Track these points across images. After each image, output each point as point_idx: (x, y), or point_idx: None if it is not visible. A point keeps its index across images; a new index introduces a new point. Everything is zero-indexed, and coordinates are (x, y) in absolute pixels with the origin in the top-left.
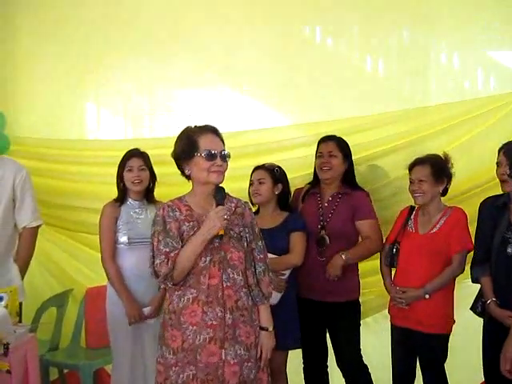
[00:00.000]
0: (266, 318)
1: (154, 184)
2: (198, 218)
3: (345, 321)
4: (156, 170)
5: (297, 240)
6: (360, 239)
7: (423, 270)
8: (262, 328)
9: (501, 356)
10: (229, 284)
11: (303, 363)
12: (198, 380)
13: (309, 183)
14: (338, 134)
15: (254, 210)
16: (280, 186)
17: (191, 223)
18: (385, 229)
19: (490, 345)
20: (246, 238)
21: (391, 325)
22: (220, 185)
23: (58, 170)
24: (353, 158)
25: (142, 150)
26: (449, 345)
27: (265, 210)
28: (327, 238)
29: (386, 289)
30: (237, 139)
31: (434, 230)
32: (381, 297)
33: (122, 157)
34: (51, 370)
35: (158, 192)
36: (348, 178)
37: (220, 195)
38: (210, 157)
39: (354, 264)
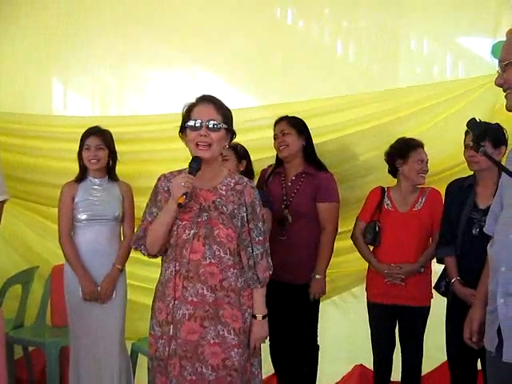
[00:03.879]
0: (258, 304)
1: (114, 162)
2: (191, 189)
3: (303, 303)
4: (123, 147)
5: None
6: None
7: (414, 246)
8: (253, 316)
9: (464, 325)
10: (213, 261)
11: (269, 341)
12: (177, 356)
13: (270, 165)
14: (306, 116)
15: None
16: (244, 163)
17: None
18: (352, 208)
19: (453, 323)
20: (243, 217)
21: (369, 302)
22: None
23: (24, 145)
24: (322, 139)
25: (108, 127)
26: None
27: None
28: (289, 217)
29: (374, 267)
30: None
31: (418, 208)
32: (347, 276)
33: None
34: (16, 348)
35: (124, 170)
36: (308, 154)
37: (194, 164)
38: (194, 127)
39: (317, 242)
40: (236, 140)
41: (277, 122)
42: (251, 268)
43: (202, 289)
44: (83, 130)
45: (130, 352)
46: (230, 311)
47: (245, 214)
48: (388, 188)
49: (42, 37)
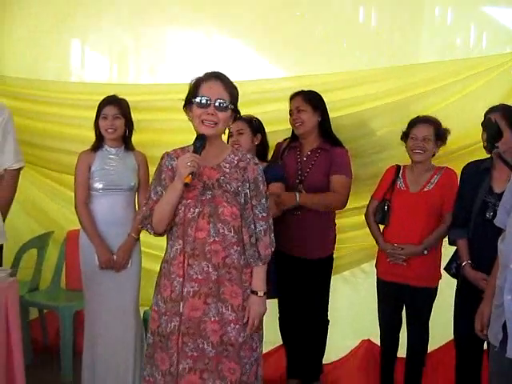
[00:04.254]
0: (257, 281)
1: (130, 132)
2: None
3: (315, 277)
4: (138, 116)
5: (274, 191)
6: None
7: (419, 227)
8: (252, 292)
9: (475, 317)
10: (217, 239)
11: (279, 313)
12: (181, 332)
13: (286, 138)
14: (323, 89)
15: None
16: (259, 136)
17: None
18: (367, 183)
19: (461, 306)
20: (246, 194)
21: (378, 279)
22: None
23: (39, 111)
24: (339, 113)
25: (124, 95)
26: None
27: None
28: (304, 192)
29: (380, 245)
30: None
31: (428, 188)
32: (358, 251)
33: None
34: (31, 309)
35: (139, 138)
36: (324, 129)
37: (199, 143)
38: (201, 104)
39: (330, 220)
40: (252, 111)
41: (292, 97)
42: (253, 245)
43: (208, 266)
44: (99, 98)
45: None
46: (230, 288)
47: (248, 191)
48: (404, 166)
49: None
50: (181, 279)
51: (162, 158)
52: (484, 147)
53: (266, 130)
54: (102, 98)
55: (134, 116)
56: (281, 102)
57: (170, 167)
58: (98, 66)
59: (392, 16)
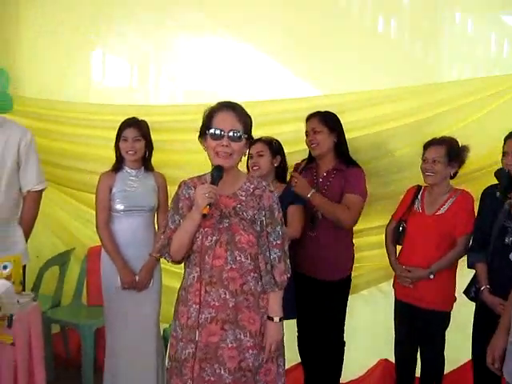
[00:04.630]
0: (274, 307)
1: (150, 153)
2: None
3: (331, 299)
4: (157, 136)
5: (295, 213)
6: None
7: (429, 250)
8: (268, 317)
9: (487, 349)
10: (234, 266)
11: (297, 336)
12: (197, 359)
13: (304, 159)
14: (341, 110)
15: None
16: (278, 158)
17: None
18: (386, 203)
19: (479, 330)
20: (262, 221)
21: (395, 298)
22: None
23: (60, 131)
24: (358, 134)
25: (144, 116)
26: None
27: None
28: (319, 213)
29: (392, 266)
30: None
31: (441, 212)
32: (376, 271)
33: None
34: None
35: (158, 158)
36: (340, 151)
37: (216, 174)
38: (215, 136)
39: (348, 241)
40: (271, 131)
41: (308, 119)
42: (268, 272)
43: (225, 293)
44: (119, 118)
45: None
46: (247, 314)
47: (263, 219)
48: (424, 188)
49: (80, 19)
50: (197, 306)
51: (179, 187)
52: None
53: (286, 151)
54: (121, 118)
55: (153, 136)
56: (299, 123)
57: (187, 196)
58: (120, 71)
59: (411, 24)
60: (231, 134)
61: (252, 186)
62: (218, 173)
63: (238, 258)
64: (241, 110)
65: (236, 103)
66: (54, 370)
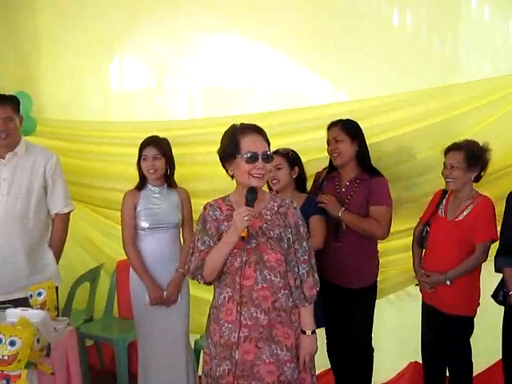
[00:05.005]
0: (306, 320)
1: (172, 170)
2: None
3: (358, 307)
4: (177, 150)
5: (317, 224)
6: None
7: (447, 256)
8: (302, 331)
9: None
10: (265, 285)
11: (326, 341)
12: (234, 375)
13: (325, 168)
14: (361, 116)
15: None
16: (296, 169)
17: (230, 223)
18: (410, 207)
19: (509, 334)
20: (289, 238)
21: (422, 302)
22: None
23: (82, 150)
24: (379, 139)
25: (163, 131)
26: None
27: (284, 194)
28: (344, 224)
29: (414, 269)
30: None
31: (461, 218)
32: (403, 274)
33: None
34: None
35: (180, 172)
36: (362, 159)
37: (251, 196)
38: (251, 159)
39: (372, 248)
40: (291, 140)
41: (329, 127)
42: (298, 287)
43: (256, 312)
44: (138, 135)
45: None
46: (282, 330)
47: (290, 236)
48: (450, 192)
49: (97, 37)
50: (229, 325)
51: (205, 209)
52: None
53: (304, 160)
54: (140, 134)
55: (174, 151)
56: (318, 131)
57: (214, 218)
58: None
59: (428, 17)
60: (264, 156)
61: (276, 205)
62: (252, 194)
63: (268, 277)
64: (264, 132)
65: (257, 125)
66: (89, 380)
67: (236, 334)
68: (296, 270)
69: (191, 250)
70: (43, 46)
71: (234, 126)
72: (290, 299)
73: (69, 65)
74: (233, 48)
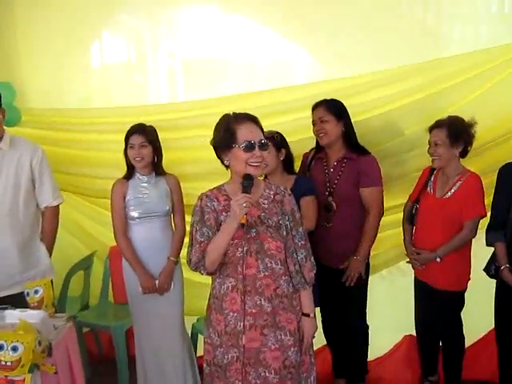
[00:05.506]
0: (307, 303)
1: (159, 158)
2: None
3: (350, 288)
4: (163, 135)
5: (308, 205)
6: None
7: (437, 233)
8: (303, 314)
9: None
10: (267, 273)
11: (322, 321)
12: (241, 362)
13: (312, 149)
14: (348, 93)
15: (261, 179)
16: (283, 151)
17: (229, 213)
18: (400, 183)
19: (501, 306)
20: (287, 226)
21: (414, 277)
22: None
23: (67, 138)
24: (366, 115)
25: (147, 116)
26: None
27: (273, 177)
28: (334, 204)
29: (405, 246)
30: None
31: (449, 195)
32: (394, 249)
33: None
34: None
35: (167, 157)
36: (348, 139)
37: (247, 183)
38: (248, 148)
39: (361, 231)
40: (276, 121)
41: (314, 108)
42: (298, 272)
43: (260, 300)
44: (124, 120)
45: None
46: (284, 315)
47: (288, 223)
48: (438, 169)
49: (74, 23)
50: (235, 314)
51: (201, 200)
52: None
53: (290, 140)
54: (124, 119)
55: (160, 134)
56: (304, 110)
57: (212, 208)
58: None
59: (413, 6)
60: (260, 144)
61: (272, 193)
62: (248, 181)
63: (269, 265)
64: (258, 120)
65: (250, 114)
66: (88, 366)
67: (241, 323)
68: (295, 255)
69: (190, 242)
70: (21, 33)
71: (227, 116)
72: (290, 285)
73: (48, 49)
74: (215, 24)
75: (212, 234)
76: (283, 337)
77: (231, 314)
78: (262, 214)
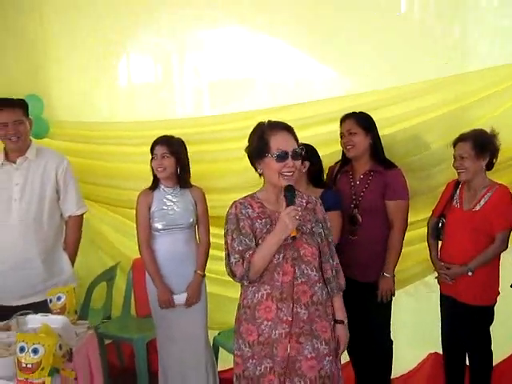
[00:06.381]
0: (340, 310)
1: (183, 169)
2: (270, 214)
3: (375, 301)
4: (191, 148)
5: (333, 220)
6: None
7: (467, 247)
8: (338, 321)
9: None
10: (303, 280)
11: None
12: (276, 373)
13: (338, 162)
14: (372, 107)
15: None
16: (307, 163)
17: (264, 220)
18: (426, 198)
19: None
20: (320, 233)
21: (440, 292)
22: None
23: (94, 150)
24: (391, 130)
25: (171, 128)
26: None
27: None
28: (359, 216)
29: (432, 262)
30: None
31: (477, 208)
32: (419, 265)
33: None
34: None
35: (197, 170)
36: (375, 152)
37: (290, 194)
38: (281, 158)
39: (386, 244)
40: (304, 135)
41: (343, 120)
42: (334, 278)
43: (296, 307)
44: (149, 133)
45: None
46: (320, 323)
47: (322, 230)
48: (463, 182)
49: (103, 35)
50: (269, 323)
51: (235, 207)
52: None
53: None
54: (150, 132)
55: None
56: (330, 124)
57: (247, 215)
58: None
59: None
60: (293, 153)
61: (304, 201)
62: (291, 193)
63: (306, 272)
64: (292, 129)
65: (285, 123)
66: (109, 378)
67: (276, 332)
68: (331, 261)
69: (226, 251)
70: (51, 47)
71: (261, 124)
72: (324, 292)
73: (77, 65)
74: (240, 42)
75: (249, 241)
76: (319, 345)
77: (265, 322)
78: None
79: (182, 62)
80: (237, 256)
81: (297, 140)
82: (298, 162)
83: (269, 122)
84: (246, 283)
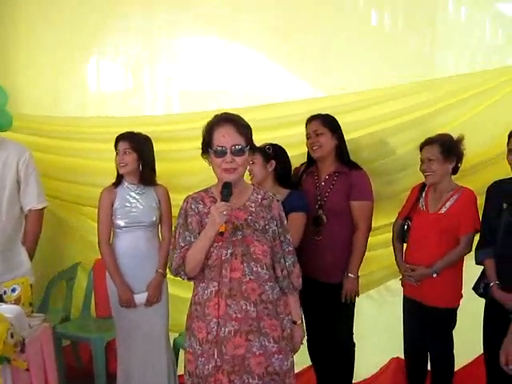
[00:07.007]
0: (296, 310)
1: (146, 166)
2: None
3: (338, 302)
4: (157, 146)
5: (294, 221)
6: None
7: (432, 249)
8: (292, 321)
9: (500, 352)
10: (252, 277)
11: (307, 336)
12: (224, 372)
13: (303, 163)
14: (340, 111)
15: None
16: (273, 162)
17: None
18: (391, 202)
19: (490, 325)
20: (274, 231)
21: (403, 296)
22: (229, 180)
23: (60, 146)
24: (358, 134)
25: (141, 127)
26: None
27: (263, 188)
28: (324, 217)
29: (397, 264)
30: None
31: (443, 210)
32: (384, 269)
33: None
34: None
35: (162, 168)
36: (340, 153)
37: (226, 191)
38: (220, 153)
39: (351, 245)
40: (272, 136)
41: (309, 121)
42: (285, 278)
43: (245, 305)
44: (116, 130)
45: None
46: (269, 322)
47: (275, 228)
48: (429, 185)
49: (74, 32)
50: (218, 320)
51: (187, 202)
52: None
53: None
54: (118, 129)
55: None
56: (299, 126)
57: (196, 211)
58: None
59: (405, 14)
60: (233, 149)
61: (260, 197)
62: (227, 190)
63: (255, 269)
64: (240, 122)
65: (234, 114)
66: (66, 380)
67: (226, 329)
68: (283, 261)
69: (172, 246)
70: (21, 41)
71: (213, 118)
72: (275, 291)
73: (47, 61)
74: (209, 47)
75: (193, 238)
76: (267, 343)
77: (214, 320)
78: (249, 218)
79: (152, 66)
80: (177, 251)
81: (246, 134)
82: (240, 158)
83: (217, 114)
84: (184, 278)
